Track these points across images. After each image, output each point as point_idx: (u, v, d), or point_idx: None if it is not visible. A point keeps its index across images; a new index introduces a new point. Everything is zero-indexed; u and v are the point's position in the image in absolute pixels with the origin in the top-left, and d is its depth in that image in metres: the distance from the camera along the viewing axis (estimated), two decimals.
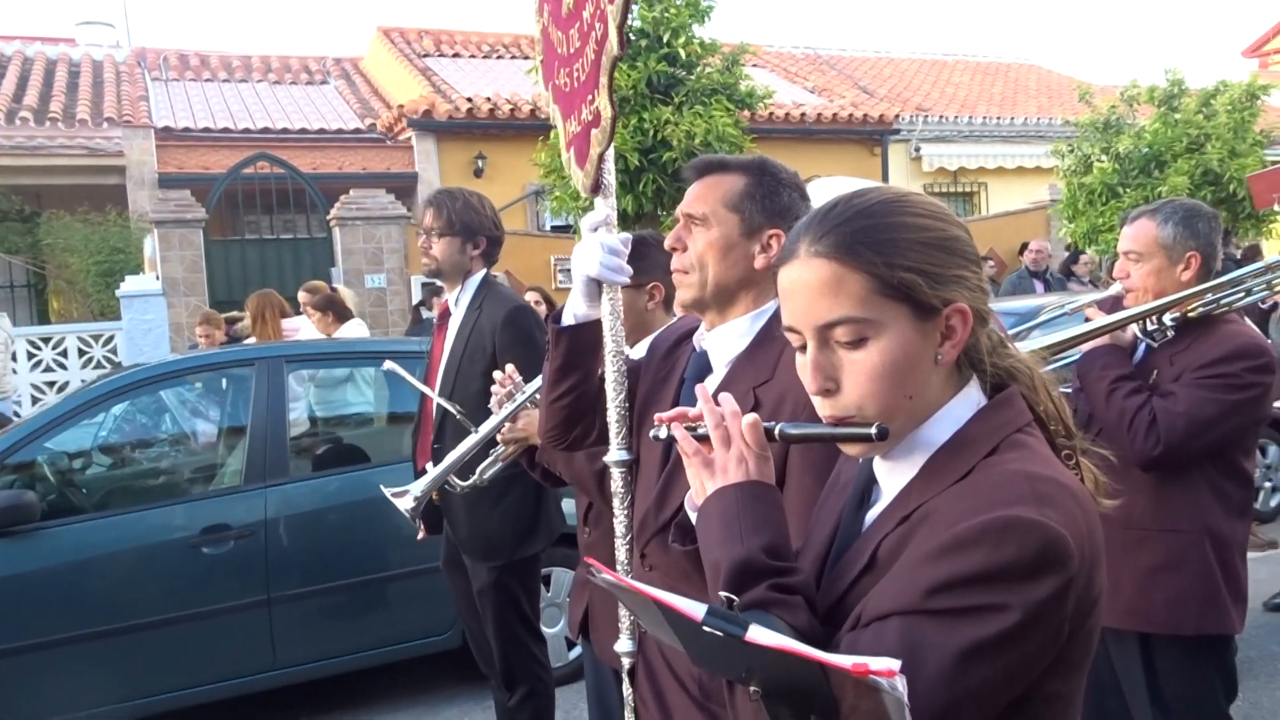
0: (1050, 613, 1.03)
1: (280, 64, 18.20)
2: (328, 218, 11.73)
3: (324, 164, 13.88)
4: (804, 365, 1.19)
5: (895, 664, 0.85)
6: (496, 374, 2.78)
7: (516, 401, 2.71)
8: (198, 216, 11.05)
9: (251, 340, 6.80)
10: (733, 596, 1.12)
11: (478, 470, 3.01)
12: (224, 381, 4.99)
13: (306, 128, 15.22)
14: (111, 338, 10.72)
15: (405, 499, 2.94)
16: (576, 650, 4.53)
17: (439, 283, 3.76)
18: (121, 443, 5.09)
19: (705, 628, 0.97)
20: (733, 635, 0.94)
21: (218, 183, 11.90)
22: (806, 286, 1.17)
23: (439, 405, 3.35)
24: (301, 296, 7.25)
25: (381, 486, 3.14)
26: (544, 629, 3.73)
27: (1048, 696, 1.09)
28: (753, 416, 1.26)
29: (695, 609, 0.99)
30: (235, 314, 7.93)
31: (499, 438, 2.84)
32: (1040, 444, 1.18)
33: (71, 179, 13.31)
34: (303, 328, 7.03)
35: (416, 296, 10.66)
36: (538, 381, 2.70)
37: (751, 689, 0.98)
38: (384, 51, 17.26)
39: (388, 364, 3.24)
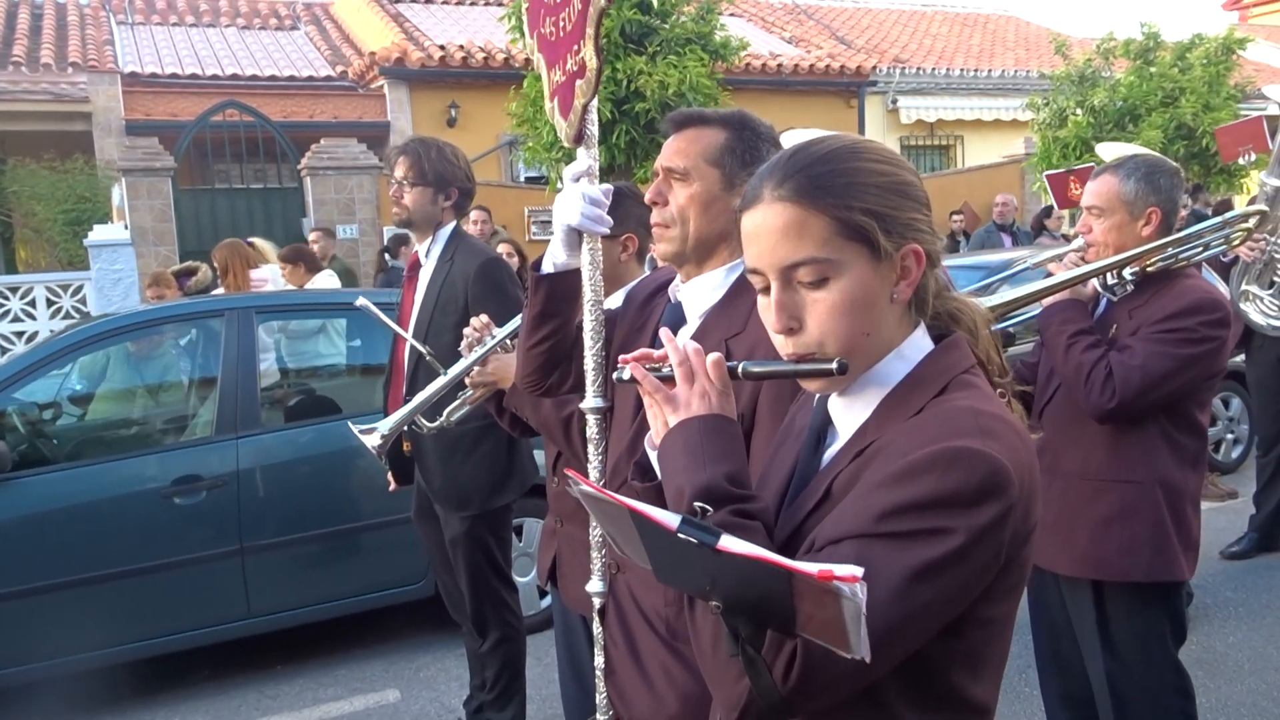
0: (991, 537, 1.11)
1: (249, 8, 17.84)
2: (299, 167, 11.59)
3: (294, 112, 13.67)
4: (767, 306, 1.25)
5: (859, 571, 0.90)
6: (473, 320, 2.79)
7: (487, 345, 2.74)
8: (166, 165, 10.89)
9: (220, 292, 6.74)
10: (706, 507, 1.18)
11: (445, 412, 3.03)
12: (194, 332, 4.97)
13: (276, 75, 14.95)
14: (80, 288, 10.58)
15: (372, 436, 2.96)
16: (548, 599, 4.59)
17: (410, 233, 3.76)
18: (92, 393, 5.07)
19: (680, 535, 1.00)
20: (706, 544, 0.98)
21: (186, 130, 11.70)
22: (771, 230, 1.23)
23: (410, 355, 3.36)
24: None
25: (349, 423, 3.17)
26: (516, 578, 3.77)
27: (983, 621, 1.18)
28: (716, 355, 1.32)
29: (670, 518, 1.03)
30: (191, 264, 7.70)
31: (468, 381, 2.86)
32: (983, 384, 1.27)
33: (37, 125, 13.05)
34: (270, 279, 6.96)
35: None
36: (509, 326, 2.72)
37: (712, 604, 1.03)
38: None
39: (360, 301, 3.24)
